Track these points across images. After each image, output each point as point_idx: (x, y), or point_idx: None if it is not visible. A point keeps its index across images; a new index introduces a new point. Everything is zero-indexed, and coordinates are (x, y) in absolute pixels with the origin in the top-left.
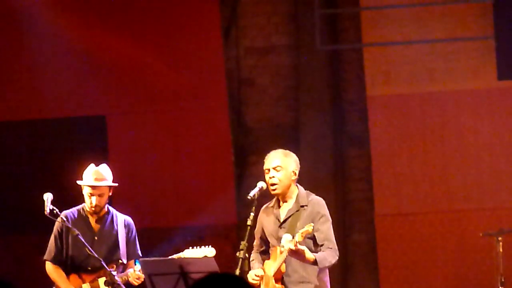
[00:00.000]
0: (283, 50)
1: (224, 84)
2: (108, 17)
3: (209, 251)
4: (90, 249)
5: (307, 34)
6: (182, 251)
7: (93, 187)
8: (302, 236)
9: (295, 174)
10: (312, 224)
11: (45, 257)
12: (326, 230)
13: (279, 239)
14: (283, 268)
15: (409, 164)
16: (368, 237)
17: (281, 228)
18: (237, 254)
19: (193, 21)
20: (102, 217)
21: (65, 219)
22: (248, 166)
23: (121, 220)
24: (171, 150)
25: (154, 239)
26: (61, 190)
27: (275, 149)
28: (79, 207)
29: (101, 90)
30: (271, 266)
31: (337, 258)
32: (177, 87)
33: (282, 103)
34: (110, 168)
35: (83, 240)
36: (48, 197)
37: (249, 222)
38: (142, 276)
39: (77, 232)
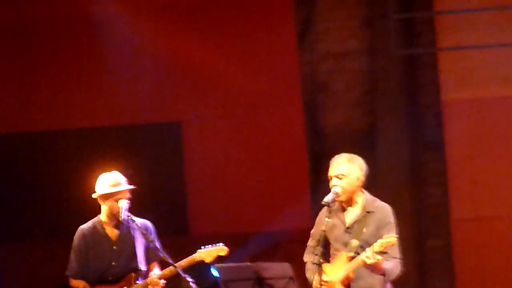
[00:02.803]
0: (358, 55)
1: (299, 90)
2: (184, 24)
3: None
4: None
5: (382, 38)
6: (258, 257)
7: (130, 190)
8: (382, 246)
9: (359, 179)
10: (396, 236)
11: (67, 273)
12: None
13: (345, 245)
14: (351, 274)
15: (485, 168)
16: (444, 242)
17: (347, 233)
18: (312, 260)
19: (268, 27)
20: (119, 226)
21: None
22: (323, 172)
23: (139, 226)
24: (246, 156)
25: (230, 245)
26: (137, 196)
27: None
28: (95, 219)
29: (177, 97)
30: (336, 271)
31: (400, 271)
32: (252, 93)
33: (357, 108)
34: (186, 174)
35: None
36: (123, 204)
37: (323, 228)
38: (161, 282)
39: (151, 238)
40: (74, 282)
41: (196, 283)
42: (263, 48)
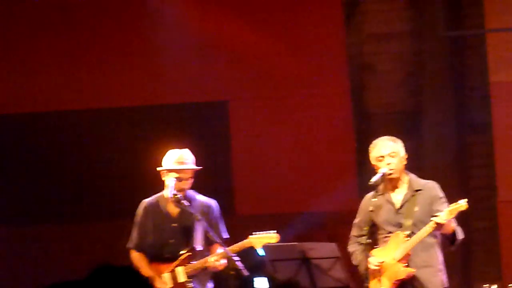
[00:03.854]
0: (405, 36)
1: (346, 70)
2: (232, 3)
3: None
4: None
5: (429, 19)
6: (303, 237)
7: (190, 170)
8: (452, 214)
9: (405, 159)
10: (466, 200)
11: (128, 245)
12: None
13: (398, 226)
14: (410, 252)
15: None
16: (490, 224)
17: (398, 214)
18: (359, 240)
19: (315, 7)
20: (181, 204)
21: (187, 203)
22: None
23: (200, 205)
24: (293, 136)
25: (276, 225)
26: None
27: (396, 135)
28: (159, 194)
29: (224, 76)
30: (391, 252)
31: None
32: (299, 73)
33: (404, 89)
34: (233, 153)
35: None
36: (170, 182)
37: (370, 208)
38: (221, 263)
39: (199, 217)
40: (134, 254)
41: (242, 262)
42: (310, 29)
